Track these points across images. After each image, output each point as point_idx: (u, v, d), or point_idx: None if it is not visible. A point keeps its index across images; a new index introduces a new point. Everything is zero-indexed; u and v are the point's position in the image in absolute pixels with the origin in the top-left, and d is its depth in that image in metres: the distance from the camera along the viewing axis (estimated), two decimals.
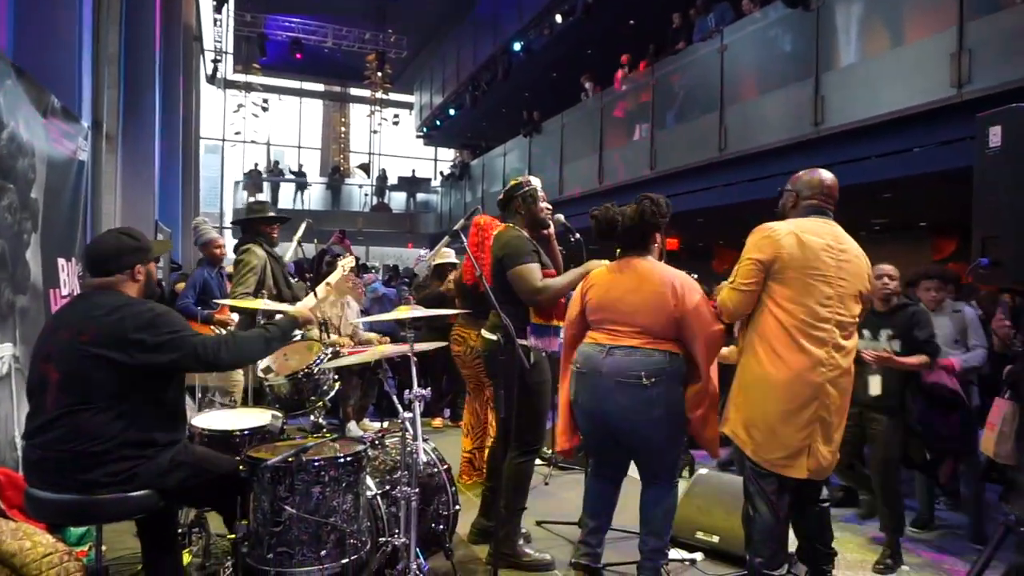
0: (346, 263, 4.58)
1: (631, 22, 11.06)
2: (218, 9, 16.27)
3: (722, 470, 4.32)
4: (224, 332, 4.16)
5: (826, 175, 2.70)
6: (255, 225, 4.11)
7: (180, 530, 2.71)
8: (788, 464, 2.54)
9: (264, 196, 19.69)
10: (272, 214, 4.20)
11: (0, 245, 2.93)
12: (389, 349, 2.99)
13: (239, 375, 4.29)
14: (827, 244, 2.56)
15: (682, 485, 3.99)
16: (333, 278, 4.36)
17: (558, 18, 11.42)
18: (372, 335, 5.81)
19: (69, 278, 3.87)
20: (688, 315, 2.69)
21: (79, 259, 4.13)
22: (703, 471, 3.83)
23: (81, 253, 4.11)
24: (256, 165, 20.19)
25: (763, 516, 2.60)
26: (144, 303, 2.27)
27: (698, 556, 3.35)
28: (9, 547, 2.42)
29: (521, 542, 3.19)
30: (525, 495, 3.23)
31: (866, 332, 3.61)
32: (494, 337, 3.09)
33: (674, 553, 3.25)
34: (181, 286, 5.53)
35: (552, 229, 3.26)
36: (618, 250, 2.96)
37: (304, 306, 2.62)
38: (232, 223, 4.85)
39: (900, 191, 6.52)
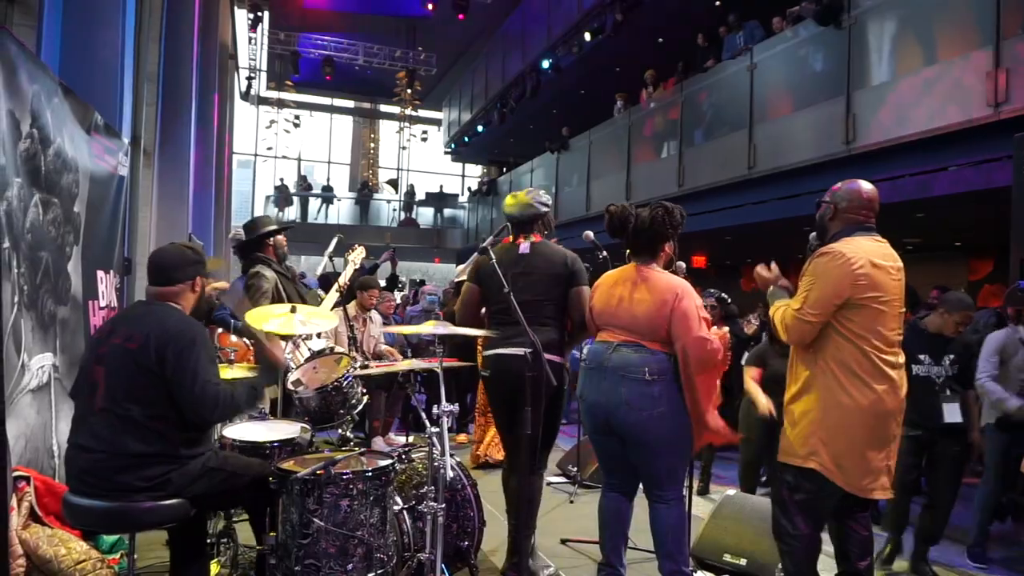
0: (356, 255, 4.43)
1: (659, 40, 11.08)
2: (253, 27, 16.64)
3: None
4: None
5: (866, 186, 2.64)
6: (255, 246, 3.95)
7: (209, 540, 2.75)
8: (873, 487, 2.51)
9: (293, 210, 20.04)
10: (270, 228, 4.00)
11: (44, 257, 3.02)
12: (418, 363, 3.01)
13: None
14: (890, 267, 2.52)
15: (708, 506, 3.96)
16: (344, 277, 4.33)
17: (587, 36, 11.46)
18: (388, 349, 5.82)
19: (107, 290, 3.97)
20: (675, 316, 2.72)
21: (117, 271, 4.23)
22: (731, 492, 3.78)
23: (117, 264, 4.23)
24: (282, 180, 20.52)
25: (801, 531, 2.56)
26: (193, 325, 2.37)
27: None
28: (44, 553, 2.48)
29: (531, 560, 3.17)
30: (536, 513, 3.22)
31: (925, 357, 3.58)
32: (520, 352, 3.07)
33: (700, 575, 3.21)
34: None
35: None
36: (627, 252, 2.99)
37: (278, 351, 2.67)
38: (234, 249, 4.57)
39: (935, 211, 6.41)
